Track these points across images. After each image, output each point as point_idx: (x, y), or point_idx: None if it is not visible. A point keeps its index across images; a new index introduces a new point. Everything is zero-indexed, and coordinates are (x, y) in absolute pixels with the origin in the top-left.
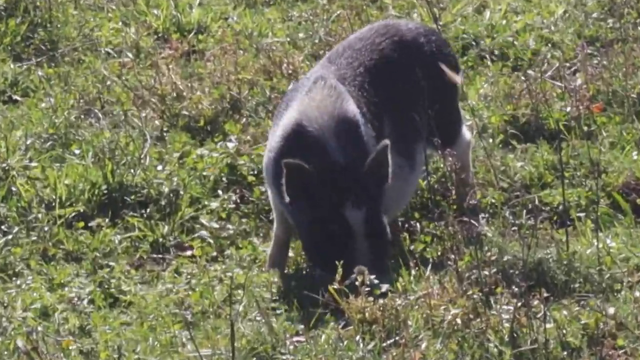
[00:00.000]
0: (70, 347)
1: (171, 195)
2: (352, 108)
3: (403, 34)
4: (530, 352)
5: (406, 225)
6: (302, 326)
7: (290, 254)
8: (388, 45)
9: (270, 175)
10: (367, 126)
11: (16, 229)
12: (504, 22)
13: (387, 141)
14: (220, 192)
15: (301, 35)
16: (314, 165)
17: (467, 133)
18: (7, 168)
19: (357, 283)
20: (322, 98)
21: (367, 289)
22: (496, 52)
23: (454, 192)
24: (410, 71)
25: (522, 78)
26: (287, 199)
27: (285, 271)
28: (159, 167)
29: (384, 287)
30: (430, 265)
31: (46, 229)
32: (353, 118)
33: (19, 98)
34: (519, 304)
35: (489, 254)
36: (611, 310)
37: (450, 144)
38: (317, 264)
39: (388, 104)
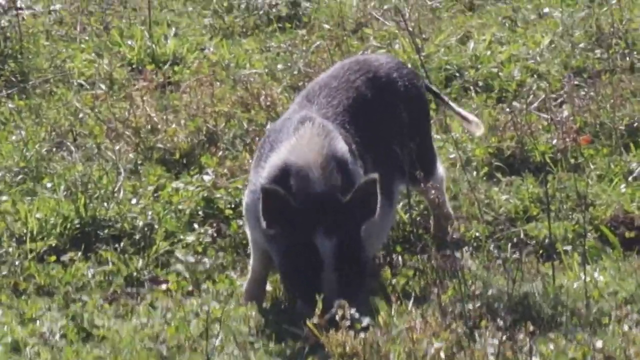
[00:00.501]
0: None
1: (146, 229)
2: (340, 146)
3: (376, 70)
4: None
5: (388, 259)
6: None
7: (268, 287)
8: (363, 83)
9: (252, 215)
10: (355, 164)
11: None
12: (489, 52)
13: (375, 175)
14: (196, 225)
15: (280, 66)
16: (294, 195)
17: (441, 167)
18: None
19: (337, 317)
20: (311, 137)
21: (347, 322)
22: (480, 83)
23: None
24: (386, 107)
25: (507, 110)
26: (264, 224)
27: (264, 305)
28: (133, 201)
29: (365, 320)
30: (412, 299)
31: (17, 263)
32: (342, 156)
33: None
34: (504, 338)
35: (473, 287)
36: (599, 344)
37: (427, 178)
38: (292, 293)
39: (368, 142)
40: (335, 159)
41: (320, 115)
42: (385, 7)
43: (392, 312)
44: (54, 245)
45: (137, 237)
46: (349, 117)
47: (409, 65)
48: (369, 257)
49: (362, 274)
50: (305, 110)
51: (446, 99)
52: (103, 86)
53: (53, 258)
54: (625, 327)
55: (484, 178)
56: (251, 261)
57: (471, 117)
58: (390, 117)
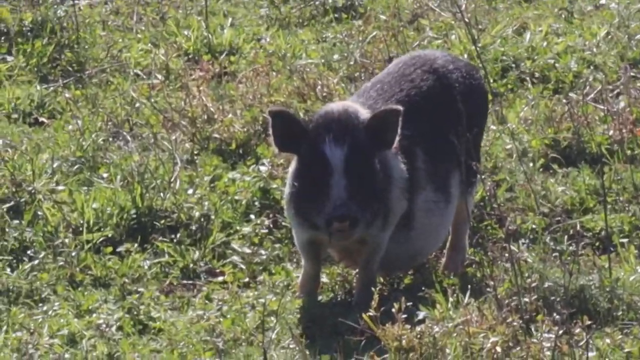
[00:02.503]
0: None
1: (202, 219)
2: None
3: (432, 63)
4: None
5: (442, 251)
6: (336, 354)
7: (324, 279)
8: (418, 76)
9: (291, 210)
10: (396, 158)
11: (42, 254)
12: (545, 43)
13: (400, 107)
14: (252, 216)
15: (336, 56)
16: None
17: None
18: (33, 192)
19: (393, 310)
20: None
21: (404, 315)
22: (537, 74)
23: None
24: (442, 100)
25: (564, 101)
26: (276, 150)
27: (320, 297)
28: (190, 191)
29: (421, 314)
30: (468, 292)
31: (73, 254)
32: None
33: (45, 120)
34: (561, 332)
35: (529, 280)
36: None
37: (472, 178)
38: (299, 213)
39: (421, 136)
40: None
41: (366, 107)
42: None
43: (449, 305)
44: (110, 236)
45: (194, 228)
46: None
47: (465, 57)
48: (384, 190)
49: (374, 192)
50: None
51: None
52: (159, 76)
53: (109, 249)
54: None
55: (540, 169)
56: (303, 260)
57: None
58: (446, 109)
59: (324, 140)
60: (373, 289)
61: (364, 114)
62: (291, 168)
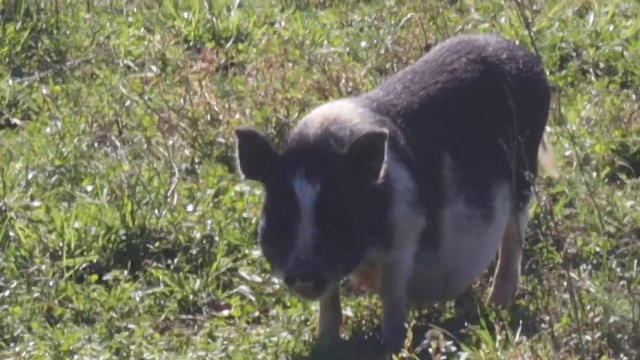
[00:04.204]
0: None
1: (204, 242)
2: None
3: (481, 50)
4: None
5: (489, 280)
6: None
7: (349, 312)
8: (461, 65)
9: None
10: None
11: (15, 283)
12: (611, 27)
13: (385, 130)
14: None
15: (363, 44)
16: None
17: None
18: (3, 208)
19: (430, 349)
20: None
21: (443, 357)
22: (601, 64)
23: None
24: (489, 95)
25: (633, 97)
26: (242, 176)
27: (343, 336)
28: (190, 208)
29: (463, 355)
30: (520, 329)
31: (51, 283)
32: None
33: (18, 122)
34: None
35: (591, 314)
36: None
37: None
38: (266, 255)
39: (451, 137)
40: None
41: (381, 105)
42: None
43: (496, 345)
44: (95, 261)
45: (194, 252)
46: (430, 106)
47: (518, 43)
48: (367, 225)
49: (350, 239)
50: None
51: None
52: (154, 68)
53: (94, 277)
54: None
55: (606, 180)
56: None
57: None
58: (493, 107)
59: (294, 173)
60: (405, 324)
61: (351, 132)
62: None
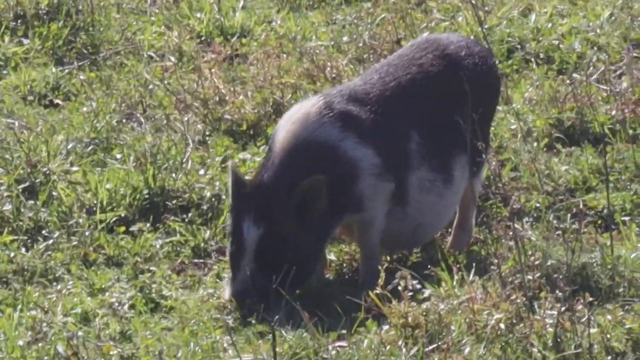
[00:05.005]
0: (110, 353)
1: (213, 199)
2: (332, 133)
3: (444, 47)
4: (574, 357)
5: (449, 230)
6: (344, 331)
7: (332, 257)
8: (428, 60)
9: None
10: (359, 148)
11: (57, 233)
12: (550, 25)
13: (322, 177)
14: None
15: (345, 38)
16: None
17: (483, 173)
18: (48, 173)
19: (399, 287)
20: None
21: (409, 293)
22: (541, 55)
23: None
24: (450, 83)
25: (568, 81)
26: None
27: (327, 276)
28: (201, 172)
29: (427, 292)
30: (473, 270)
31: (87, 233)
32: (325, 143)
33: (60, 102)
34: (563, 309)
35: (532, 258)
36: None
37: (478, 158)
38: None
39: (418, 118)
40: (314, 147)
41: (357, 93)
42: None
43: (454, 283)
44: (123, 215)
45: (205, 207)
46: (401, 93)
47: (473, 39)
48: (309, 257)
49: (293, 265)
50: (333, 91)
51: None
52: (172, 58)
53: (122, 229)
54: None
55: (544, 149)
56: None
57: None
58: (453, 94)
59: (243, 217)
60: (379, 267)
61: (301, 174)
62: None
